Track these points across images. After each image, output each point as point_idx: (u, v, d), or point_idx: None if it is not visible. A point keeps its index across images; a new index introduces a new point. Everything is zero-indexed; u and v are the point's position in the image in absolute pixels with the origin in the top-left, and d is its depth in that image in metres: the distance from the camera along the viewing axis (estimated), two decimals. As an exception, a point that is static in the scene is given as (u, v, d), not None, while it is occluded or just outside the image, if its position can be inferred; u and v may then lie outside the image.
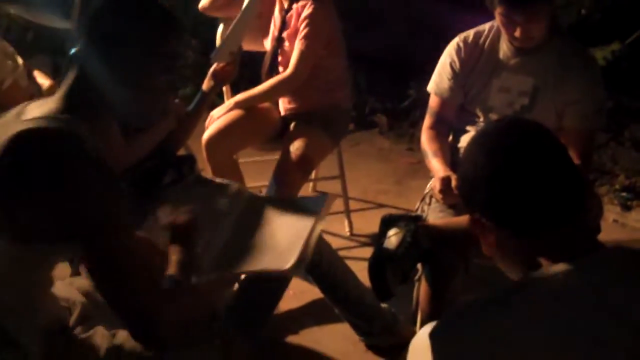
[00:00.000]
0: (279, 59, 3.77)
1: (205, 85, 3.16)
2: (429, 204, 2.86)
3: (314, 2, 3.60)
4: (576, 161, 2.65)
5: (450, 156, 2.89)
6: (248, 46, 3.75)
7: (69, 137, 1.71)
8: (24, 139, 1.68)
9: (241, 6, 3.58)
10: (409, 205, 4.40)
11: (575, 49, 2.89)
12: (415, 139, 5.65)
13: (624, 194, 4.57)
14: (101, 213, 1.68)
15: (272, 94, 3.73)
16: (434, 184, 2.74)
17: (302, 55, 3.59)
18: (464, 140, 2.93)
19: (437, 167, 2.81)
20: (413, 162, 5.16)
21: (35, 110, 1.79)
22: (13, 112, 1.84)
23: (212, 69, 3.20)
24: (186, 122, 3.00)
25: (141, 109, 1.91)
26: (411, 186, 4.74)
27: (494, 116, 2.87)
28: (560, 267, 1.41)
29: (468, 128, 2.94)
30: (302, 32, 3.58)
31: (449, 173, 2.69)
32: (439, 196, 2.68)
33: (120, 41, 1.81)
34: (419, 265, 2.66)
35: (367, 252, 3.90)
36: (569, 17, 4.54)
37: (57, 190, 1.65)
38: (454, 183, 2.60)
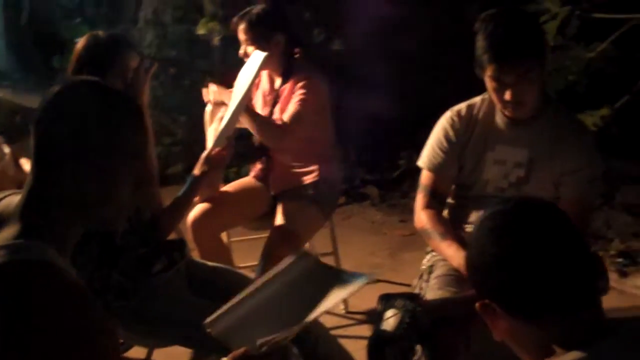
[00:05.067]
0: None
1: (198, 170, 3.03)
2: (427, 281, 2.80)
3: (306, 78, 3.63)
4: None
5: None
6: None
7: (45, 271, 1.52)
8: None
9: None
10: (404, 279, 4.30)
11: (569, 118, 2.88)
12: (407, 210, 5.62)
13: (619, 259, 4.52)
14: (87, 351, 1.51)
15: (262, 129, 3.66)
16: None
17: (296, 113, 3.59)
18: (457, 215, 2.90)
19: (452, 254, 2.73)
20: (406, 234, 5.12)
21: None
22: None
23: (205, 154, 3.13)
24: (177, 207, 2.93)
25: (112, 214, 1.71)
26: (405, 259, 4.69)
27: (489, 189, 2.83)
28: (573, 355, 1.35)
29: (464, 203, 2.91)
30: (297, 97, 3.60)
31: None
32: None
33: (63, 153, 1.60)
34: (418, 346, 2.58)
35: (364, 330, 3.89)
36: (557, 84, 4.53)
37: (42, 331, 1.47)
38: None
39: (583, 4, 4.65)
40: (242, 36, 3.65)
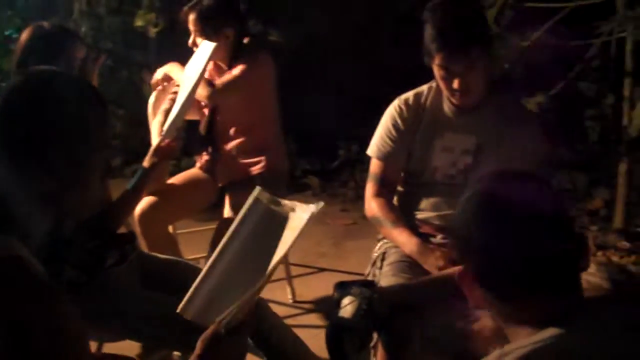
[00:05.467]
0: (217, 117, 3.77)
1: (147, 162, 3.01)
2: (380, 268, 2.82)
3: (252, 56, 3.65)
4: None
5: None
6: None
7: (13, 264, 1.49)
8: None
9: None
10: (348, 268, 4.38)
11: (514, 105, 2.93)
12: (347, 200, 5.68)
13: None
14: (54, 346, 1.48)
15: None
16: (425, 260, 2.71)
17: (235, 76, 3.59)
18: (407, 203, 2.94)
19: (404, 240, 2.78)
20: (348, 223, 5.16)
21: None
22: None
23: (155, 146, 3.09)
24: (127, 200, 2.90)
25: (77, 202, 1.72)
26: (349, 247, 4.73)
27: (438, 176, 2.86)
28: (551, 331, 1.37)
29: (414, 190, 2.94)
30: (239, 66, 3.61)
31: (423, 244, 2.73)
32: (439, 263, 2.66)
33: (42, 142, 1.59)
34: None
35: (312, 319, 3.91)
36: (494, 72, 4.60)
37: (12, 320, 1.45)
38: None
39: (517, -7, 4.73)
40: (191, 27, 3.62)
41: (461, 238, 1.49)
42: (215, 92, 3.57)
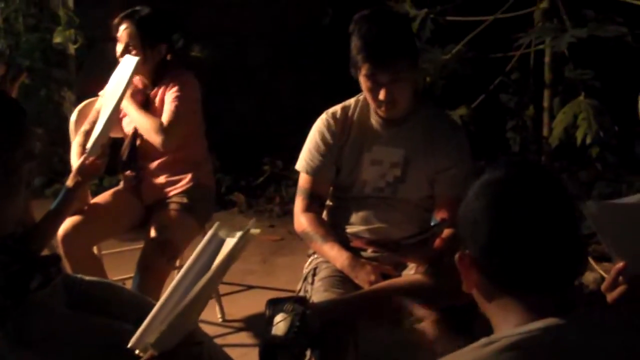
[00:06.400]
0: (138, 142, 3.67)
1: (70, 181, 2.92)
2: (312, 283, 2.80)
3: (178, 77, 3.61)
4: (449, 227, 2.71)
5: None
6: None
7: None
8: None
9: None
10: (277, 284, 4.36)
11: (441, 117, 2.96)
12: (274, 215, 5.66)
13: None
14: None
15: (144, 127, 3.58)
16: (355, 274, 2.69)
17: (175, 111, 3.52)
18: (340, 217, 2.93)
19: (335, 255, 2.75)
20: (276, 239, 5.12)
21: None
22: None
23: (78, 165, 3.01)
24: (50, 221, 2.82)
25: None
26: (277, 264, 4.69)
27: (368, 190, 2.86)
28: (549, 320, 1.36)
29: (343, 204, 2.93)
30: (172, 94, 3.55)
31: (354, 259, 2.71)
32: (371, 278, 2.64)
33: None
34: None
35: (242, 337, 3.87)
36: (419, 84, 4.64)
37: None
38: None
39: (437, 7, 4.79)
40: (125, 38, 3.55)
41: (469, 222, 1.46)
42: (168, 136, 3.50)
